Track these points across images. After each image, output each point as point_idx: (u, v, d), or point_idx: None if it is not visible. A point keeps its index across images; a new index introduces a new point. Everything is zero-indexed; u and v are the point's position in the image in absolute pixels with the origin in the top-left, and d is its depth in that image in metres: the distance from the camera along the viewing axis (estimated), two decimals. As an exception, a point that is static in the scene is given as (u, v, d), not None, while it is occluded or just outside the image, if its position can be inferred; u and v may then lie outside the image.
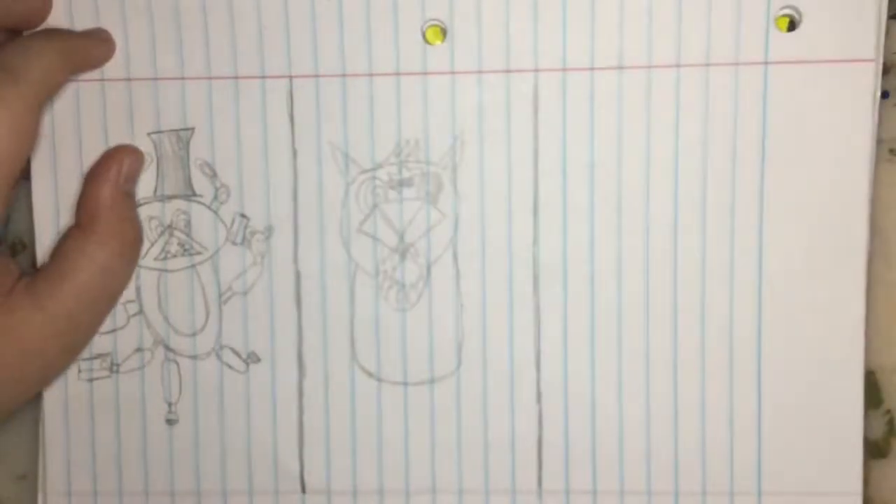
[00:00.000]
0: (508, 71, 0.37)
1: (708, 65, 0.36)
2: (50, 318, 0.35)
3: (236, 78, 0.37)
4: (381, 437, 0.38)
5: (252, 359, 0.38)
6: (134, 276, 0.38)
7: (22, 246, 0.39)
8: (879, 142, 0.37)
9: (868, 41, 0.36)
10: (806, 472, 0.37)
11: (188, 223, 0.38)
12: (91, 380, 0.38)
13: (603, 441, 0.38)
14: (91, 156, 0.37)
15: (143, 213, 0.38)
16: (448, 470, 0.38)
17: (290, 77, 0.37)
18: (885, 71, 0.37)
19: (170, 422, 0.38)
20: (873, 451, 0.38)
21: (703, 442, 0.37)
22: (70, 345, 0.37)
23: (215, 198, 0.38)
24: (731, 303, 0.37)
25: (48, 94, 0.35)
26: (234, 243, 0.38)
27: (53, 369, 0.37)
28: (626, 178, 0.37)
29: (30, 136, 0.34)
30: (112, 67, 0.37)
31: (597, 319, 0.37)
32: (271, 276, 0.38)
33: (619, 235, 0.37)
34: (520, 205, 0.37)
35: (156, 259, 0.38)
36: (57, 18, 0.37)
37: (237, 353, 0.38)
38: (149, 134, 0.37)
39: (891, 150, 0.37)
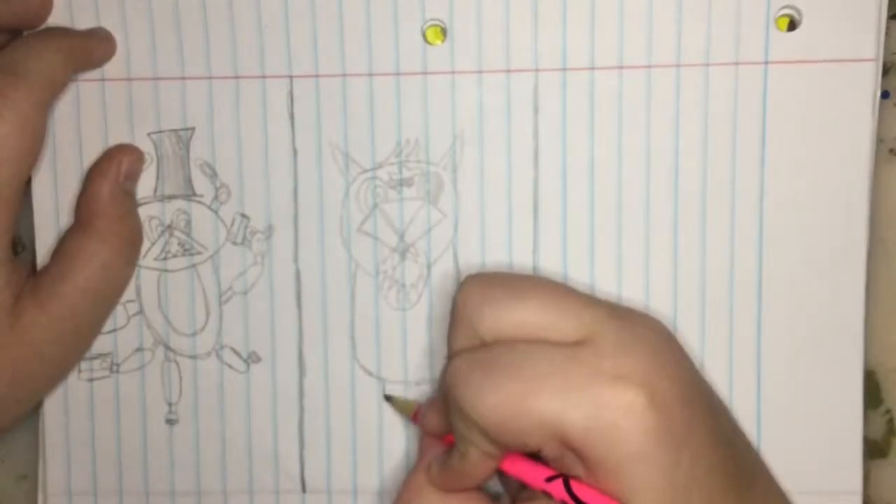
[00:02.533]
0: (508, 71, 0.37)
1: (708, 65, 0.36)
2: (53, 319, 0.35)
3: (236, 78, 0.37)
4: (381, 436, 0.38)
5: (252, 358, 0.38)
6: (134, 276, 0.38)
7: (22, 246, 0.39)
8: (879, 142, 0.37)
9: (868, 41, 0.36)
10: (806, 471, 0.37)
11: (188, 223, 0.38)
12: (91, 380, 0.38)
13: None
14: (91, 156, 0.37)
15: (144, 212, 0.38)
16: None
17: (291, 77, 0.37)
18: (885, 71, 0.37)
19: (170, 422, 0.38)
20: (873, 450, 0.38)
21: (703, 442, 0.37)
22: (74, 345, 0.37)
23: (215, 198, 0.38)
24: (731, 302, 0.37)
25: (53, 93, 0.35)
26: (234, 243, 0.38)
27: (60, 371, 0.38)
28: (626, 178, 0.37)
29: (37, 136, 0.34)
30: (112, 67, 0.37)
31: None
32: (272, 276, 0.38)
33: (619, 235, 0.37)
34: (520, 205, 0.37)
35: (156, 259, 0.38)
36: (57, 18, 0.37)
37: (237, 353, 0.38)
38: (149, 134, 0.37)
39: (891, 150, 0.37)
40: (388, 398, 0.37)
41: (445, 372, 0.31)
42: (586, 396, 0.28)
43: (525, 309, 0.30)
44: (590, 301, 0.31)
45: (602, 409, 0.28)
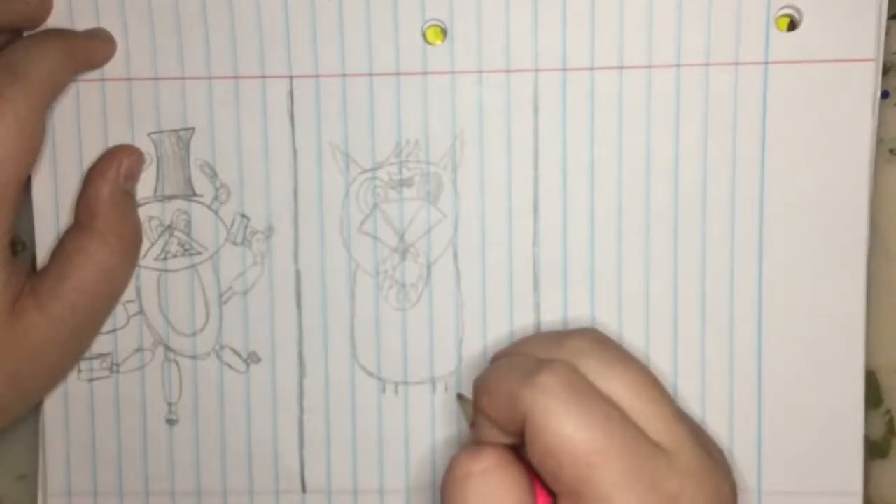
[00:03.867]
0: (508, 71, 0.37)
1: (708, 65, 0.36)
2: (53, 320, 0.35)
3: (236, 78, 0.37)
4: (381, 436, 0.38)
5: (252, 359, 0.38)
6: (134, 276, 0.38)
7: (22, 246, 0.39)
8: (879, 142, 0.37)
9: (868, 41, 0.36)
10: (806, 471, 0.37)
11: (188, 223, 0.38)
12: (91, 380, 0.38)
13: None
14: (91, 156, 0.37)
15: (144, 213, 0.38)
16: (448, 470, 0.38)
17: (291, 77, 0.37)
18: (885, 71, 0.37)
19: (170, 422, 0.38)
20: (873, 451, 0.38)
21: (703, 442, 0.37)
22: (74, 346, 0.37)
23: (215, 198, 0.38)
24: (731, 303, 0.37)
25: (52, 93, 0.35)
26: (234, 243, 0.38)
27: (60, 371, 0.38)
28: (626, 178, 0.37)
29: (37, 136, 0.34)
30: (112, 67, 0.37)
31: (597, 319, 0.37)
32: (271, 276, 0.38)
33: (619, 235, 0.37)
34: (520, 205, 0.37)
35: (156, 259, 0.38)
36: (57, 19, 0.37)
37: (237, 353, 0.38)
38: (149, 134, 0.37)
39: (891, 150, 0.37)
40: (461, 397, 0.37)
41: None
42: (640, 493, 0.28)
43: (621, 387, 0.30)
44: (678, 414, 0.31)
45: None
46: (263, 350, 0.38)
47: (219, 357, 0.38)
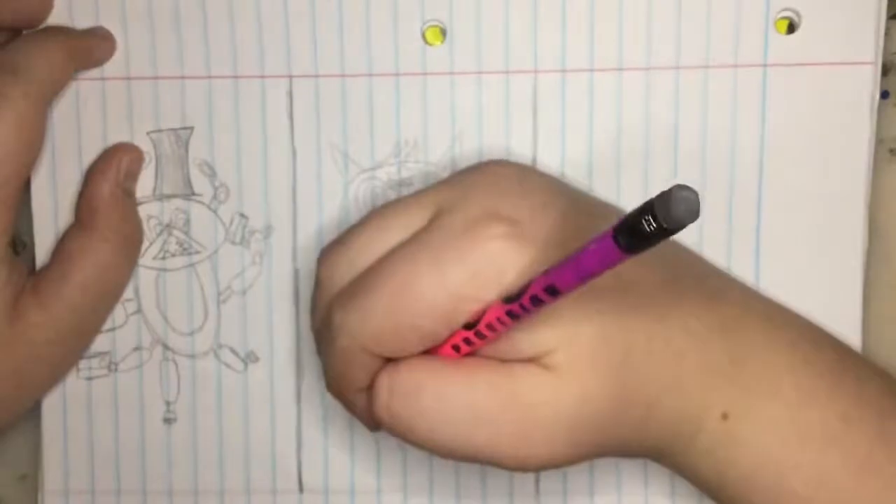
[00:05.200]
0: (508, 72, 0.37)
1: (707, 67, 0.36)
2: (54, 318, 0.35)
3: (236, 77, 0.37)
4: (378, 436, 0.38)
5: (250, 358, 0.38)
6: (133, 275, 0.38)
7: (22, 245, 0.39)
8: (879, 142, 0.37)
9: (867, 43, 0.36)
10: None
11: (187, 222, 0.38)
12: (90, 378, 0.38)
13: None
14: (90, 154, 0.37)
15: (142, 212, 0.38)
16: (446, 471, 0.38)
17: (290, 77, 0.37)
18: (885, 71, 0.37)
19: (168, 421, 0.38)
20: (872, 452, 0.38)
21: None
22: (74, 344, 0.37)
23: (214, 197, 0.38)
24: (729, 304, 0.37)
25: (52, 92, 0.35)
26: (232, 243, 0.38)
27: (60, 369, 0.38)
28: (625, 180, 0.37)
29: (36, 135, 0.35)
30: (112, 66, 0.37)
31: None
32: (270, 276, 0.38)
33: (618, 236, 0.37)
34: (518, 205, 0.37)
35: (154, 258, 0.38)
36: (57, 18, 0.37)
37: (235, 353, 0.38)
38: (148, 133, 0.38)
39: (891, 150, 0.37)
40: None
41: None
42: (454, 254, 0.29)
43: (367, 236, 0.31)
44: (427, 188, 0.32)
45: (473, 253, 0.29)
46: (261, 349, 0.38)
47: (217, 356, 0.38)
